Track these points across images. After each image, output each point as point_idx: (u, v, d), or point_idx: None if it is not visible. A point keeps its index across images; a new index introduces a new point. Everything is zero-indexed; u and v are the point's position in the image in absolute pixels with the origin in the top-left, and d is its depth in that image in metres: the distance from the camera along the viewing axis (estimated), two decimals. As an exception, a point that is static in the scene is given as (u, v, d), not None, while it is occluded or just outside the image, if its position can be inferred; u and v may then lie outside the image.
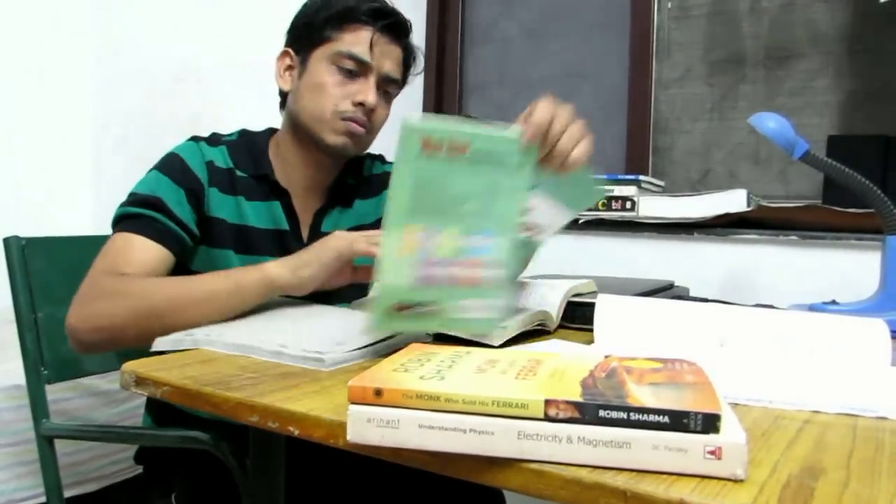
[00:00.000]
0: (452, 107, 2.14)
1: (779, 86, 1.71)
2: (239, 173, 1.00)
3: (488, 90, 2.13)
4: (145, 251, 0.89)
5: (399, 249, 0.62)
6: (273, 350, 0.67)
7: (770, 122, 0.97)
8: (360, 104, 0.97)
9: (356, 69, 0.97)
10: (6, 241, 1.12)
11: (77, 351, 0.87)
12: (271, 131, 1.08)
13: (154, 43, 2.37)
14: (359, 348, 0.68)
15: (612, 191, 1.50)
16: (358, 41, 0.97)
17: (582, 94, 1.99)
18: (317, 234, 1.04)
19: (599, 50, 1.96)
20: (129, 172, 2.60)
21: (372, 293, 0.83)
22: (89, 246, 1.27)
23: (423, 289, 0.65)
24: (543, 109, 0.69)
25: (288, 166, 1.03)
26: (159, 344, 0.74)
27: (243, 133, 1.06)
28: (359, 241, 0.84)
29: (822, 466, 0.42)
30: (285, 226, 1.02)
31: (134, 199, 0.93)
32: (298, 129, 1.01)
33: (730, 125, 1.76)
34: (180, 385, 0.60)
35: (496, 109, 2.08)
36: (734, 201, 1.37)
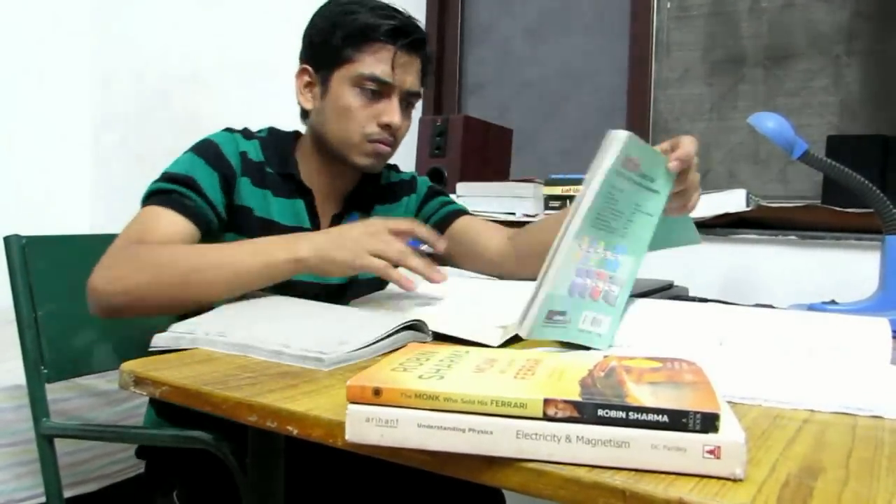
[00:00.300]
0: (452, 107, 2.15)
1: (778, 86, 1.71)
2: (268, 169, 1.02)
3: (488, 90, 2.13)
4: (172, 225, 0.89)
5: (572, 258, 0.64)
6: (273, 349, 0.67)
7: (769, 122, 0.97)
8: (387, 125, 0.99)
9: (379, 89, 0.98)
10: (6, 239, 1.12)
11: (97, 315, 0.85)
12: (296, 134, 1.10)
13: (153, 43, 2.37)
14: (360, 348, 0.67)
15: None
16: (379, 61, 0.97)
17: (581, 95, 1.99)
18: None
19: (599, 50, 1.96)
20: (129, 172, 2.60)
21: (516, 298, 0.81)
22: (90, 245, 1.27)
23: (569, 298, 0.66)
24: (692, 147, 0.72)
25: (311, 171, 1.05)
26: (158, 341, 0.73)
27: (272, 131, 1.07)
28: (363, 256, 0.82)
29: (822, 466, 0.42)
30: (307, 224, 1.04)
31: (166, 176, 0.94)
32: (324, 145, 1.03)
33: (729, 125, 1.76)
34: (179, 385, 0.60)
35: (496, 109, 2.08)
36: (734, 201, 1.37)
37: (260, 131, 1.06)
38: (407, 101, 1.02)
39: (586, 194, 0.63)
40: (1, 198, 2.25)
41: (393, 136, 1.00)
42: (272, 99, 2.01)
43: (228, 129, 1.03)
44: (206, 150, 0.97)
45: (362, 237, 0.83)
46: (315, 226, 1.04)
